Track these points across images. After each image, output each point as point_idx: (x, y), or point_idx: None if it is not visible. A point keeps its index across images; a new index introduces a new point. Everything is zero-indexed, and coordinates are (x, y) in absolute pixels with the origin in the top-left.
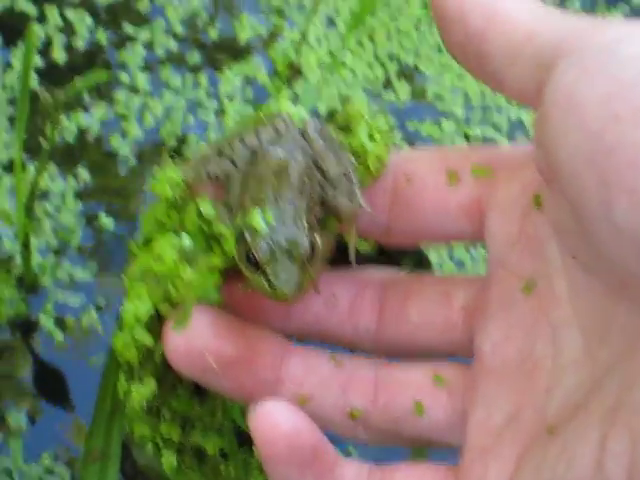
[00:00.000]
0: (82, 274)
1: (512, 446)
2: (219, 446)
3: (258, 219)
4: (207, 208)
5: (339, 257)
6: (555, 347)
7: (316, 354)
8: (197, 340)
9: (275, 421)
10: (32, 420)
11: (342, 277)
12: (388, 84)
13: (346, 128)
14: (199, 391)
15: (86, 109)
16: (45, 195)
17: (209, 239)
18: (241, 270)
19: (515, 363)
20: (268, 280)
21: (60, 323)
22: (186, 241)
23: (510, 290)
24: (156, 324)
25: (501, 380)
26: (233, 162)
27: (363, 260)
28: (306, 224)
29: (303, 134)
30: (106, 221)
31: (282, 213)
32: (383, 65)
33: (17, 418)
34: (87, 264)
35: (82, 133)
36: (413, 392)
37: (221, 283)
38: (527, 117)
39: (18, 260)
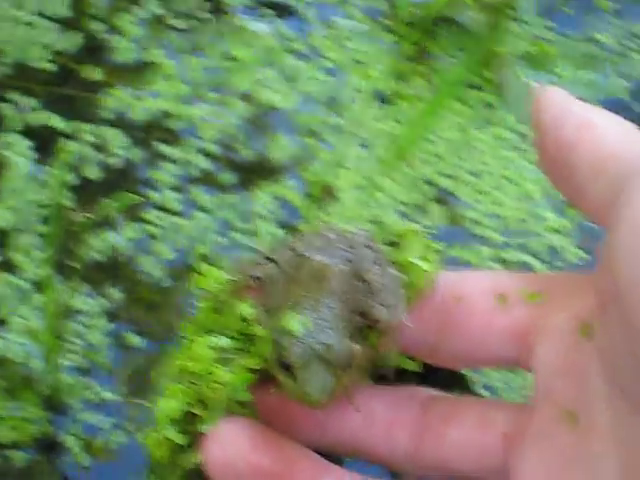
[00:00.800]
0: (110, 395)
1: None
2: None
3: (295, 322)
4: (247, 309)
5: (384, 374)
6: None
7: (350, 476)
8: (235, 452)
9: None
10: None
11: (382, 393)
12: (424, 209)
13: (395, 244)
14: None
15: (116, 229)
16: (74, 314)
17: (247, 341)
18: (274, 373)
19: None
20: (299, 384)
21: (87, 445)
22: (224, 341)
23: (552, 420)
24: (190, 426)
25: None
26: (278, 266)
27: (408, 379)
28: (343, 331)
29: (351, 245)
30: (135, 340)
31: (320, 318)
32: (419, 189)
33: None
34: (115, 385)
35: (113, 252)
36: None
37: (254, 385)
38: (565, 243)
39: (45, 379)
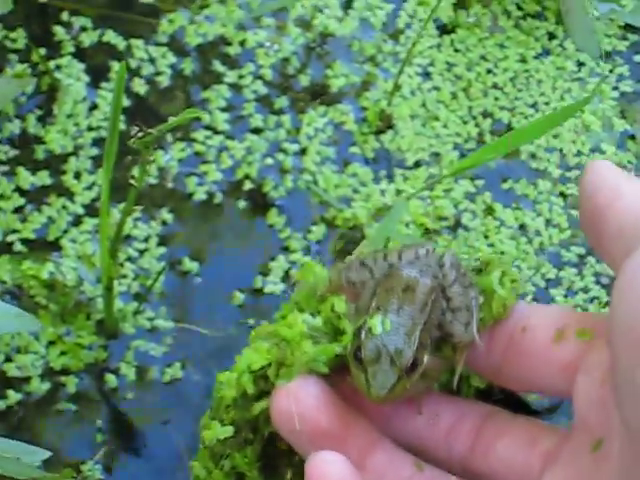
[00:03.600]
0: (164, 321)
1: None
2: None
3: (376, 322)
4: (340, 305)
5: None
6: None
7: (403, 454)
8: (299, 404)
9: (326, 470)
10: (108, 471)
11: (449, 401)
12: (481, 141)
13: (481, 271)
14: (269, 462)
15: (164, 149)
16: (127, 238)
17: (335, 332)
18: (349, 364)
19: None
20: (366, 378)
21: (140, 372)
22: (317, 320)
23: (582, 446)
24: (262, 382)
25: None
26: (371, 272)
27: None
28: (417, 340)
29: (439, 263)
30: (190, 265)
31: (399, 324)
32: (476, 121)
33: (92, 469)
34: (170, 311)
35: (162, 174)
36: None
37: (336, 371)
38: None
39: (99, 305)
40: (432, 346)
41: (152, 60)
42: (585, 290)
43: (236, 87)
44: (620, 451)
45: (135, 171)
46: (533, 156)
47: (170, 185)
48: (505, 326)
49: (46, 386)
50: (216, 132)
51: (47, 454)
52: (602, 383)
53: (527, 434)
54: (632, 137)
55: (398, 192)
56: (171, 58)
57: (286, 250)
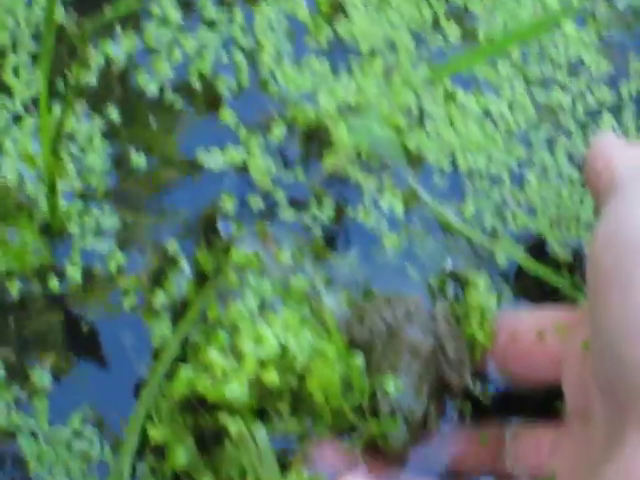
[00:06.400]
0: (110, 219)
1: None
2: None
3: (390, 384)
4: (357, 361)
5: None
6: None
7: None
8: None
9: None
10: (57, 378)
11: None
12: (436, 25)
13: (463, 314)
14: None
15: (114, 39)
16: (70, 136)
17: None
18: (366, 415)
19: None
20: (383, 433)
21: (87, 271)
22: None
23: (575, 422)
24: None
25: None
26: (372, 332)
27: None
28: (426, 397)
29: (432, 317)
30: (138, 159)
31: (409, 383)
32: (431, 5)
33: (41, 375)
34: (115, 208)
35: (108, 67)
36: None
37: None
38: (587, 57)
39: (42, 205)
40: (433, 396)
41: None
42: (558, 170)
43: None
44: (601, 414)
45: (74, 67)
46: (491, 39)
47: (117, 76)
48: (498, 341)
49: None
50: (168, 24)
51: None
52: (580, 364)
53: (533, 437)
54: (591, 14)
55: (359, 86)
56: None
57: (242, 149)
